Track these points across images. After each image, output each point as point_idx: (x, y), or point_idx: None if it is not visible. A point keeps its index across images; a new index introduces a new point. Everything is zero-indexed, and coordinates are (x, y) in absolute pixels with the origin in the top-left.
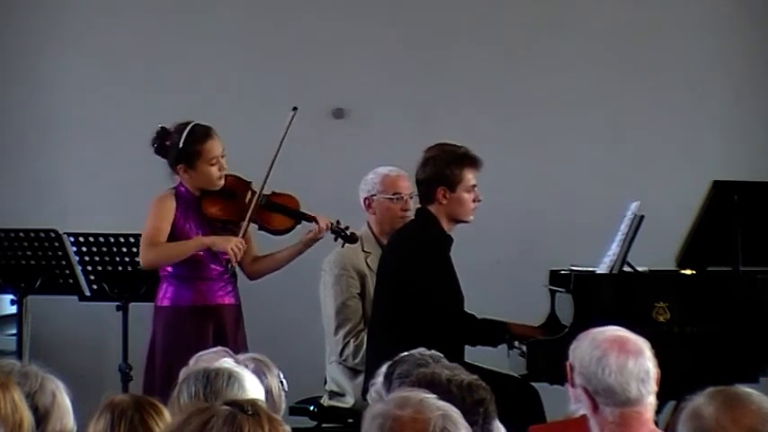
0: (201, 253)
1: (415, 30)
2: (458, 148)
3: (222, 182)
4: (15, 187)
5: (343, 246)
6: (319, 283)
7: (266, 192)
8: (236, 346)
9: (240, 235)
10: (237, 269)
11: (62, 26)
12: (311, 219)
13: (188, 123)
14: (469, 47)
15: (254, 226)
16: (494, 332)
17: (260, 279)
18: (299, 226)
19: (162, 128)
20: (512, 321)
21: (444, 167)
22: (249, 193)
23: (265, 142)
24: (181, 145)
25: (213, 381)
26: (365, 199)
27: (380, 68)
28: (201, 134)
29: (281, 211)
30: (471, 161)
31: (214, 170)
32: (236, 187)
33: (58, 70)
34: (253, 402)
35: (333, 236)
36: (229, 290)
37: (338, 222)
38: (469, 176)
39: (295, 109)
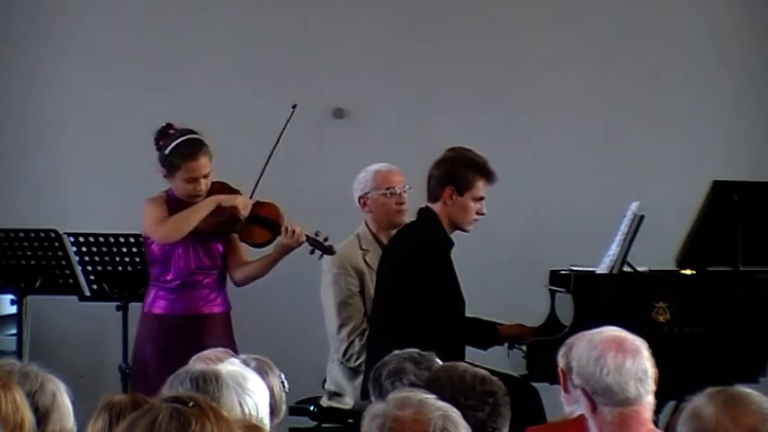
0: (190, 258)
1: (415, 30)
2: (479, 157)
3: (197, 200)
4: (15, 187)
5: (320, 258)
6: (320, 284)
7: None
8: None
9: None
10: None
11: (61, 26)
12: (290, 232)
13: (185, 134)
14: (469, 47)
15: (236, 236)
16: (484, 335)
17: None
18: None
19: (167, 125)
20: (502, 323)
21: (459, 169)
22: None
23: (265, 142)
24: (167, 152)
25: (202, 386)
26: (359, 198)
27: (380, 68)
28: (186, 153)
29: (260, 224)
30: (487, 173)
31: (189, 188)
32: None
33: (57, 70)
34: (191, 395)
35: (310, 248)
36: (214, 298)
37: (317, 234)
38: (480, 185)
39: (294, 107)
